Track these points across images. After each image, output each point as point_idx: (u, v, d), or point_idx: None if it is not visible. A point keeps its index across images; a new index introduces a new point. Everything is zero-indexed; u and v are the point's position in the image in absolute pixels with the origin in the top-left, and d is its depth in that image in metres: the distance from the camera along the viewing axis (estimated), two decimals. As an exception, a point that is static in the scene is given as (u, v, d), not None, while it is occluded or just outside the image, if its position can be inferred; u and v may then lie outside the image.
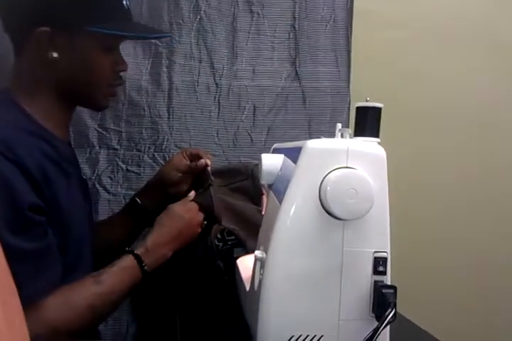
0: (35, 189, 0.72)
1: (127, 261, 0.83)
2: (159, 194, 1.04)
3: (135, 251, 0.84)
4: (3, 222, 0.66)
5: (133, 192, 1.28)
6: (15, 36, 0.82)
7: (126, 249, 0.85)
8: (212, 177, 1.03)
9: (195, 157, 1.05)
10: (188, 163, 1.04)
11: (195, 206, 0.95)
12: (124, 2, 0.85)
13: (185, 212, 0.92)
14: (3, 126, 0.74)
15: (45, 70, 0.81)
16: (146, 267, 0.83)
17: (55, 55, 0.79)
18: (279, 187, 0.67)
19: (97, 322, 0.85)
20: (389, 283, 0.61)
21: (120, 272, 0.81)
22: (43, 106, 0.82)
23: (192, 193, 0.99)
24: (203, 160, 1.02)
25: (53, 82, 0.82)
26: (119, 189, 1.28)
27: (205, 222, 0.96)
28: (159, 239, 0.87)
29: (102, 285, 0.78)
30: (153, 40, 1.27)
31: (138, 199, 1.04)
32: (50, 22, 0.77)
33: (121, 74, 0.91)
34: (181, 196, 1.00)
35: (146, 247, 0.85)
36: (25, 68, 0.82)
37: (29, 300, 0.67)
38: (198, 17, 1.29)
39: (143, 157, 1.29)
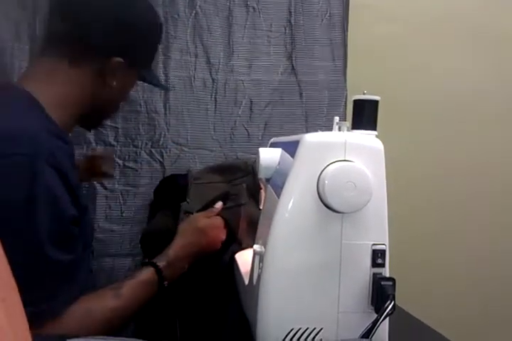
0: (73, 198, 0.70)
1: (148, 274, 0.81)
2: None
3: (157, 264, 0.82)
4: (46, 233, 0.65)
5: (130, 188, 1.29)
6: (84, 52, 0.80)
7: (148, 260, 0.84)
8: (246, 197, 1.00)
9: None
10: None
11: (220, 222, 0.93)
12: None
13: (211, 228, 0.91)
14: (37, 130, 0.70)
15: (92, 90, 0.82)
16: (165, 282, 0.82)
17: (113, 82, 0.83)
18: (277, 181, 0.67)
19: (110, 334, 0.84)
20: (387, 275, 0.62)
21: (139, 286, 0.80)
22: (61, 112, 0.79)
23: (219, 204, 0.97)
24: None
25: (88, 102, 0.82)
26: (117, 185, 1.28)
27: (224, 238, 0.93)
28: (180, 253, 0.86)
29: (120, 299, 0.76)
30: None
31: None
32: (126, 55, 0.82)
33: None
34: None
35: (168, 260, 0.83)
36: (68, 80, 0.80)
37: (56, 309, 0.68)
38: (194, 12, 1.29)
39: (140, 153, 1.29)
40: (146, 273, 0.81)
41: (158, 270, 0.81)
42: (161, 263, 0.82)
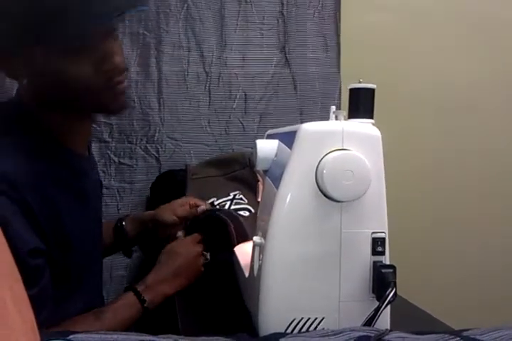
0: (38, 230, 0.69)
1: (128, 297, 0.83)
2: (145, 229, 1.03)
3: (136, 288, 0.84)
4: None
5: (126, 185, 1.28)
6: None
7: (128, 285, 0.86)
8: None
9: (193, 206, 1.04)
10: (188, 208, 1.02)
11: (190, 240, 0.92)
12: None
13: (181, 247, 0.90)
14: (13, 153, 0.69)
15: (31, 89, 0.75)
16: (146, 304, 0.83)
17: (24, 79, 0.72)
18: (275, 172, 0.67)
19: None
20: (388, 263, 0.62)
21: (121, 309, 0.81)
22: (58, 119, 0.77)
23: (180, 233, 0.97)
24: (203, 206, 1.00)
25: (48, 99, 0.76)
26: (113, 182, 1.28)
27: (209, 254, 0.92)
28: (158, 277, 0.87)
29: (102, 321, 0.77)
30: (141, 31, 1.26)
31: (124, 223, 1.03)
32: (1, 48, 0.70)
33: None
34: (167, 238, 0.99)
35: (146, 284, 0.85)
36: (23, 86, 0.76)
37: None
38: (186, 5, 1.28)
39: (135, 149, 1.28)
40: (127, 297, 0.83)
41: (137, 293, 0.83)
42: (140, 287, 0.84)
